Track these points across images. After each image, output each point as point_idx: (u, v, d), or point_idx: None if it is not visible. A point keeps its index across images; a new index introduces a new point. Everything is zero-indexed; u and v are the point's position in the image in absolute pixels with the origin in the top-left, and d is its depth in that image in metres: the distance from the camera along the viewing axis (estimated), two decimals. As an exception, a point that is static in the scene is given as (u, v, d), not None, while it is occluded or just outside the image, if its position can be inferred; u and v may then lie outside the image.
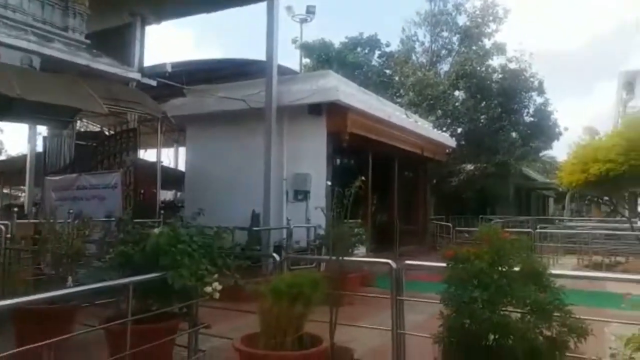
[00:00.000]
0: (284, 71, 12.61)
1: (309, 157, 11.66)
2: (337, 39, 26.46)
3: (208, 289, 4.31)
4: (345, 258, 5.24)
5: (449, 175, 24.63)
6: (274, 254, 5.62)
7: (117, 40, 11.80)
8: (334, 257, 4.82)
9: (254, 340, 3.91)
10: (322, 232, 9.68)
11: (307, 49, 25.79)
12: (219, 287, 4.34)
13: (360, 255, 10.69)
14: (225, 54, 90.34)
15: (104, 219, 7.38)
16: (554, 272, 3.72)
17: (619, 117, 24.65)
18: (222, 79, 13.37)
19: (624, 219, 18.44)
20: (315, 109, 11.55)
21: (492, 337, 3.41)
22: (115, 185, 9.47)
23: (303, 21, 23.69)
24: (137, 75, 11.37)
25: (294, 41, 26.37)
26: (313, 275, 4.01)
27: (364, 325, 5.09)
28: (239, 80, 12.81)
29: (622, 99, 29.76)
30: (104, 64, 10.65)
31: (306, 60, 26.37)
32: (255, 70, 12.51)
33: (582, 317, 3.59)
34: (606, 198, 18.95)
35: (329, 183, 10.49)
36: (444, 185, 24.20)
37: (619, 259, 15.48)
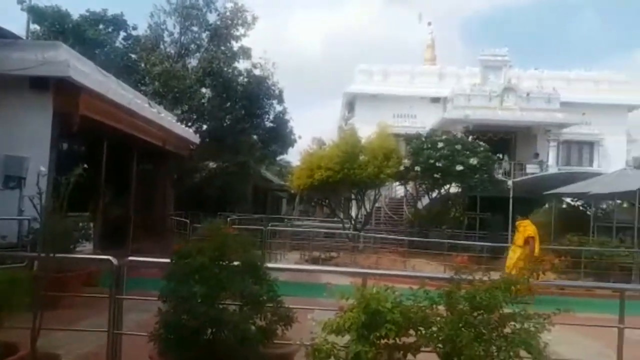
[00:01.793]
0: (2, 33, 10.65)
1: (28, 138, 10.07)
2: (76, 10, 23.64)
3: None
4: (62, 255, 4.69)
5: (192, 171, 24.66)
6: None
7: None
8: (42, 254, 4.25)
9: None
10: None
11: (37, 13, 22.34)
12: None
13: (87, 252, 9.78)
14: None
15: None
16: (270, 265, 4.05)
17: (342, 132, 28.61)
18: None
19: (339, 219, 21.47)
20: (39, 84, 10.06)
21: (209, 330, 3.51)
22: None
23: (35, -19, 20.49)
24: None
25: (21, 1, 22.59)
26: (11, 275, 3.46)
27: (78, 328, 4.66)
28: None
29: (344, 116, 34.57)
30: None
31: (35, 27, 22.85)
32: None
33: (291, 306, 4.02)
34: (327, 201, 21.79)
35: (43, 169, 9.27)
36: (187, 181, 24.11)
37: (333, 254, 17.92)
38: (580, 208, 20.47)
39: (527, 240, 11.25)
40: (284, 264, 15.55)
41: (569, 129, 27.27)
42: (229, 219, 17.75)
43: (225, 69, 24.33)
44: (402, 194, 23.69)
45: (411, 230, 20.07)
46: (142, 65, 23.37)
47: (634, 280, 13.74)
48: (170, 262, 3.70)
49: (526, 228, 11.43)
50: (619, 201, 18.81)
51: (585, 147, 29.23)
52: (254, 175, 28.41)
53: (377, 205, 21.96)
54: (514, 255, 11.41)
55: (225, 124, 25.09)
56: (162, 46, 25.25)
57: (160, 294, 3.49)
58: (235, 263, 3.65)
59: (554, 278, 12.10)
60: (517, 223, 11.95)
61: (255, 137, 27.01)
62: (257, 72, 25.95)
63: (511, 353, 3.04)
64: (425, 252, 16.02)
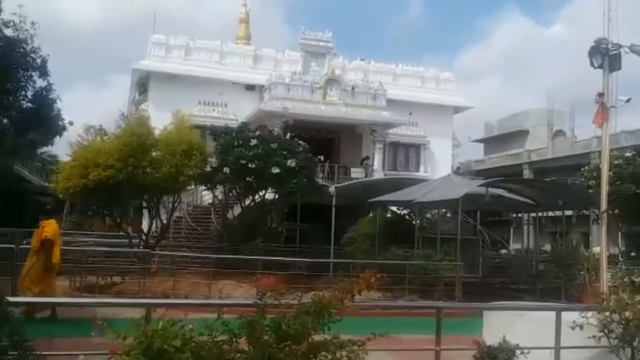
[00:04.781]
0: None
1: None
2: None
3: None
4: None
5: None
6: None
7: None
8: None
9: None
10: None
11: None
12: None
13: None
14: None
15: None
16: (17, 300, 3.70)
17: (128, 119, 27.16)
18: None
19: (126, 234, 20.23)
20: None
21: None
22: None
23: None
24: None
25: None
26: None
27: None
28: None
29: (135, 99, 32.68)
30: None
31: None
32: None
33: (47, 352, 3.71)
34: (110, 209, 20.36)
35: None
36: None
37: (116, 279, 16.92)
38: (406, 217, 22.73)
39: (45, 244, 11.01)
40: (42, 296, 14.25)
41: (395, 130, 30.09)
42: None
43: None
44: (210, 201, 23.56)
45: (220, 245, 20.04)
46: None
47: (456, 296, 15.57)
48: None
49: (45, 229, 11.19)
50: (443, 210, 21.32)
51: (412, 150, 32.41)
52: (5, 173, 25.67)
53: (177, 214, 21.52)
54: (30, 261, 11.16)
55: (-42, 101, 22.13)
56: None
57: None
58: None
59: (378, 296, 13.28)
60: (40, 223, 11.84)
61: (5, 120, 24.30)
62: (9, 32, 23.36)
63: (322, 389, 3.21)
64: (235, 272, 16.16)
